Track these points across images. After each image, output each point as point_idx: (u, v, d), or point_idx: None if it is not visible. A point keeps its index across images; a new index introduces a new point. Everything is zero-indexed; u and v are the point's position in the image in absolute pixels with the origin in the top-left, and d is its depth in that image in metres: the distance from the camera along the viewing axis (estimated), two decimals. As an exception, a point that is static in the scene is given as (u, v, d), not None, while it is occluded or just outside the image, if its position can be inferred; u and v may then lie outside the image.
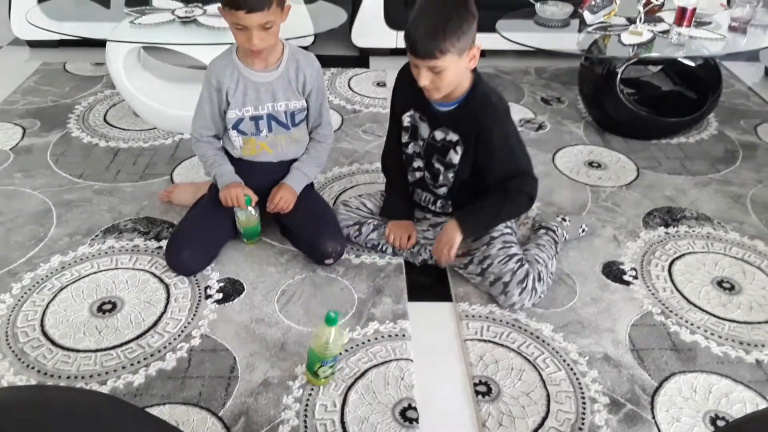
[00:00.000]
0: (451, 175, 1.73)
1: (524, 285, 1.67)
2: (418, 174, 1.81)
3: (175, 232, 1.83)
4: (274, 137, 1.84)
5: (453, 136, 1.66)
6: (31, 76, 2.99)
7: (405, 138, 1.77)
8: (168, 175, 2.26)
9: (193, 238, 1.79)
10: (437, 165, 1.73)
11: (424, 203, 1.86)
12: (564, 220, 1.94)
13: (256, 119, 1.80)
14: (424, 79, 1.51)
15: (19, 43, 3.33)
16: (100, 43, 2.45)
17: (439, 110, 1.66)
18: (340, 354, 1.49)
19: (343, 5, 2.77)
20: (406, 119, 1.74)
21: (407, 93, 1.66)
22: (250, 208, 1.81)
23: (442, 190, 1.79)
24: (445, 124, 1.67)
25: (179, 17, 2.43)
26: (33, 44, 3.31)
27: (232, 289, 1.75)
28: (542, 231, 1.90)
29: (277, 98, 1.78)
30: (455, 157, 1.68)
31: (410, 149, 1.78)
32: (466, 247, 1.77)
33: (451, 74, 1.51)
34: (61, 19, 2.53)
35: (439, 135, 1.69)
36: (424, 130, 1.71)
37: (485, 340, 1.61)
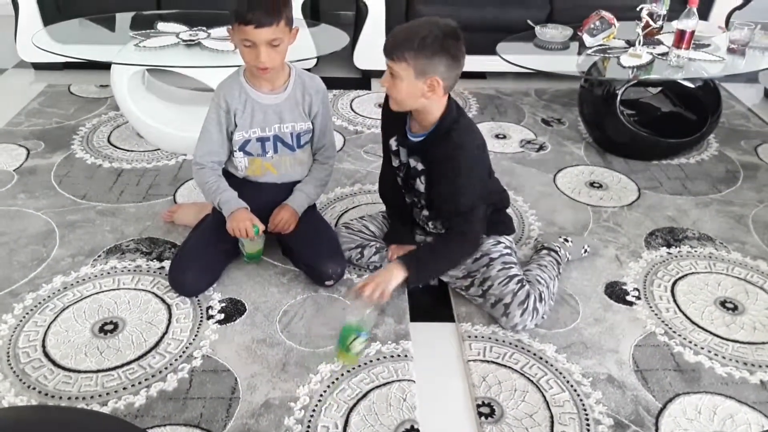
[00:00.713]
0: (423, 201, 1.74)
1: (525, 306, 1.66)
2: (408, 198, 1.82)
3: (179, 254, 1.84)
4: (279, 158, 1.85)
5: (420, 166, 1.68)
6: (36, 97, 3.02)
7: (395, 162, 1.78)
8: (171, 196, 2.27)
9: (196, 260, 1.79)
10: (414, 189, 1.75)
11: (422, 223, 1.87)
12: (566, 240, 1.94)
13: (262, 140, 1.81)
14: (384, 79, 1.57)
15: (25, 65, 3.37)
16: (105, 66, 2.48)
17: (411, 140, 1.68)
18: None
19: (345, 28, 2.80)
20: (392, 144, 1.76)
21: (391, 118, 1.69)
22: (257, 238, 1.80)
23: (427, 212, 1.80)
24: (414, 153, 1.69)
25: (183, 40, 2.46)
26: (38, 66, 3.34)
27: (233, 310, 1.75)
28: (544, 252, 1.90)
29: (284, 120, 1.80)
30: (421, 186, 1.70)
31: (400, 173, 1.79)
32: (467, 269, 1.77)
33: (404, 86, 1.53)
34: (66, 42, 2.56)
35: (412, 162, 1.70)
36: (403, 155, 1.73)
37: (488, 361, 1.60)
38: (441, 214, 1.71)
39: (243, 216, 1.77)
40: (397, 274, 1.60)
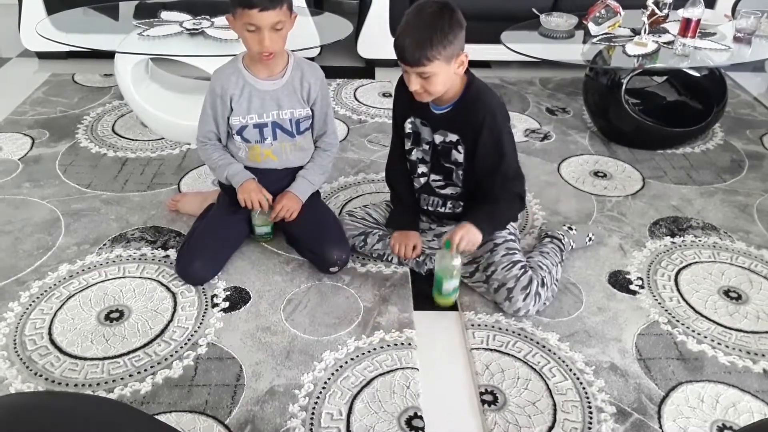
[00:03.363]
0: (461, 172, 1.75)
1: (528, 291, 1.67)
2: (422, 180, 1.82)
3: (186, 243, 1.84)
4: (279, 145, 1.85)
5: (452, 137, 1.70)
6: (40, 87, 3.02)
7: (408, 145, 1.80)
8: (175, 185, 2.27)
9: (203, 249, 1.80)
10: (447, 165, 1.76)
11: (432, 207, 1.86)
12: (570, 228, 1.95)
13: (260, 127, 1.81)
14: (414, 84, 1.57)
15: (29, 54, 3.37)
16: (109, 55, 2.48)
17: (436, 113, 1.69)
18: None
19: (349, 17, 2.79)
20: (407, 126, 1.77)
21: (406, 101, 1.70)
22: (267, 211, 1.86)
23: (453, 190, 1.80)
24: (443, 126, 1.70)
25: (187, 29, 2.46)
26: (42, 56, 3.35)
27: (238, 298, 1.76)
28: (547, 239, 1.91)
29: (282, 106, 1.80)
30: (459, 156, 1.72)
31: (414, 155, 1.80)
32: (473, 255, 1.78)
33: (440, 79, 1.56)
34: (70, 31, 2.56)
35: (438, 138, 1.72)
36: (427, 134, 1.74)
37: (491, 349, 1.61)
38: (485, 182, 1.72)
39: (252, 186, 1.82)
40: (476, 230, 1.67)
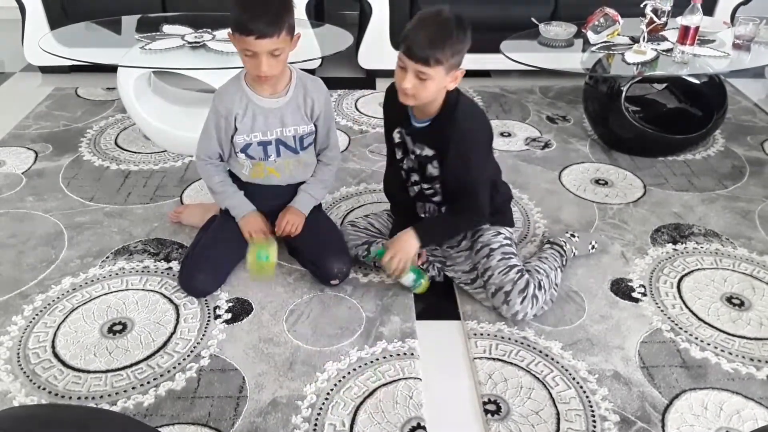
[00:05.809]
0: (438, 185, 1.75)
1: (525, 294, 1.68)
2: (416, 188, 1.82)
3: (189, 256, 1.85)
4: (282, 162, 1.85)
5: (429, 152, 1.70)
6: (44, 101, 3.04)
7: (399, 154, 1.80)
8: (178, 197, 2.28)
9: (207, 262, 1.81)
10: (428, 174, 1.76)
11: (429, 214, 1.86)
12: (573, 236, 1.95)
13: (264, 144, 1.81)
14: (408, 82, 1.53)
15: (32, 69, 3.39)
16: (112, 69, 2.50)
17: (416, 126, 1.70)
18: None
19: (349, 28, 2.81)
20: (396, 136, 1.77)
21: (393, 110, 1.72)
22: (269, 254, 1.76)
23: (438, 198, 1.80)
24: (420, 140, 1.70)
25: (189, 43, 2.48)
26: (45, 70, 3.37)
27: (240, 309, 1.76)
28: (547, 246, 1.92)
29: (286, 124, 1.80)
30: (434, 171, 1.72)
31: (405, 165, 1.80)
32: (472, 261, 1.78)
33: (433, 86, 1.54)
34: (73, 46, 2.58)
35: (417, 150, 1.72)
36: (409, 143, 1.75)
37: (494, 359, 1.61)
38: (453, 194, 1.74)
39: (253, 224, 1.83)
40: (413, 243, 1.71)
